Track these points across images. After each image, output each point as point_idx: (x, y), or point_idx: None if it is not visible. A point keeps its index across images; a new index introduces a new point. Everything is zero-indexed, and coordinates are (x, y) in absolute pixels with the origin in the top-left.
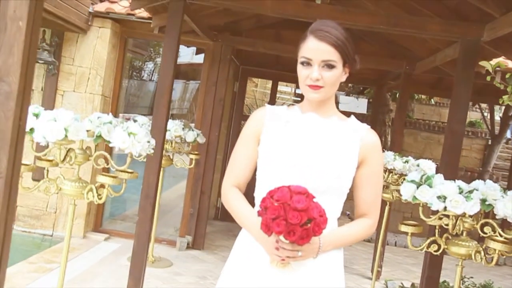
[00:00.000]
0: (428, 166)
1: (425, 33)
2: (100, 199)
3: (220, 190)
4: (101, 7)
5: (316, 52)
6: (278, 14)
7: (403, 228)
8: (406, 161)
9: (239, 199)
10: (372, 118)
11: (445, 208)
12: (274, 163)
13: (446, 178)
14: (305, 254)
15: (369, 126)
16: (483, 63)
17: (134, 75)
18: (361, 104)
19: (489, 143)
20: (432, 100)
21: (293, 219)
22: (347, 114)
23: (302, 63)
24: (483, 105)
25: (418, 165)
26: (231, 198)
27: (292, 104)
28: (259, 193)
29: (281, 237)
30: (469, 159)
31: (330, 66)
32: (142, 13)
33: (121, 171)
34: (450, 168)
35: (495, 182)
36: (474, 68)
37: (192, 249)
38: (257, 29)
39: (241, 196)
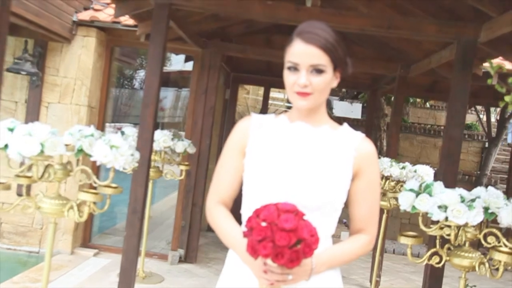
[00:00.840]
0: (426, 172)
1: (421, 34)
2: (81, 217)
3: None
4: (85, 16)
5: (304, 56)
6: (268, 18)
7: (402, 240)
8: (403, 167)
9: (225, 217)
10: (367, 123)
11: (446, 218)
12: (260, 178)
13: (445, 185)
14: (296, 277)
15: (363, 135)
16: (485, 64)
17: (125, 84)
18: (355, 109)
19: (486, 145)
20: (427, 103)
21: (281, 241)
22: (341, 120)
23: (289, 68)
24: (479, 107)
25: (415, 171)
26: (216, 216)
27: (285, 110)
28: (246, 211)
29: (269, 260)
30: (466, 163)
31: (319, 70)
32: (128, 20)
33: (105, 186)
34: (449, 174)
35: (493, 185)
36: (471, 69)
37: (185, 262)
38: (247, 35)
39: (227, 214)
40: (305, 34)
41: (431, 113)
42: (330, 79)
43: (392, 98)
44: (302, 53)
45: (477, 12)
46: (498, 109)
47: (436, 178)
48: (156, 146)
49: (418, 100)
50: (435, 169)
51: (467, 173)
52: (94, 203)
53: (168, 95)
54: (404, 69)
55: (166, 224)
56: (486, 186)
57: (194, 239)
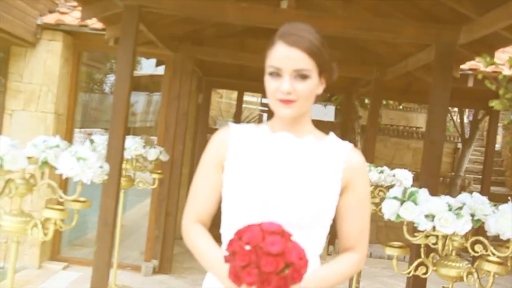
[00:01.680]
0: (405, 176)
1: (401, 37)
2: (46, 235)
3: None
4: (50, 19)
5: (287, 60)
6: (242, 21)
7: (388, 250)
8: (381, 172)
9: (203, 237)
10: (341, 126)
11: (434, 228)
12: (241, 195)
13: (428, 189)
14: None
15: (352, 145)
16: (478, 59)
17: (94, 88)
18: (328, 112)
19: (458, 146)
20: (398, 104)
21: (267, 267)
22: (320, 126)
23: (271, 73)
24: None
25: (394, 176)
26: (194, 236)
27: (260, 114)
28: (226, 230)
29: None
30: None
31: (303, 76)
32: (95, 24)
33: (72, 200)
34: (431, 179)
35: (467, 186)
36: (451, 72)
37: (159, 273)
38: (220, 38)
39: (205, 234)
40: (288, 37)
41: (403, 115)
42: (315, 85)
43: (366, 101)
44: (285, 57)
45: (455, 14)
46: (470, 110)
47: (419, 182)
48: (127, 154)
49: (391, 102)
50: (413, 172)
51: (442, 175)
52: (62, 220)
53: (139, 99)
54: (380, 72)
55: (139, 233)
56: (461, 188)
57: (169, 249)
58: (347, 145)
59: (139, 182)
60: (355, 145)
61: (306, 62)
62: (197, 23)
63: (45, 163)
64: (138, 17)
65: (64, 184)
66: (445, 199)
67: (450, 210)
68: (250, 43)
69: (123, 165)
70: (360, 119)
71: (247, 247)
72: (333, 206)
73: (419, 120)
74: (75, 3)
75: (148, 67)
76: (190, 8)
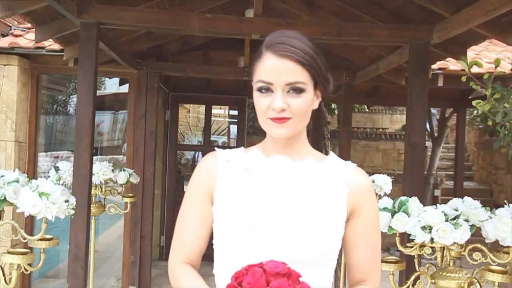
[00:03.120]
0: (384, 181)
1: (372, 40)
2: (8, 284)
3: (163, 227)
4: (4, 42)
5: (278, 73)
6: (208, 32)
7: (384, 267)
8: None
9: (194, 279)
10: (313, 133)
11: (431, 240)
12: (236, 230)
13: (413, 195)
14: None
15: (354, 164)
16: (460, 61)
17: (59, 110)
18: None
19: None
20: (365, 107)
21: None
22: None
23: (260, 89)
24: None
25: (373, 181)
26: (182, 279)
27: (228, 126)
28: (220, 271)
29: None
30: None
31: (298, 90)
32: (53, 45)
33: (38, 239)
34: (415, 184)
35: (440, 184)
36: (427, 73)
37: None
38: (184, 52)
39: (196, 276)
40: (277, 46)
41: (369, 117)
42: (311, 100)
43: (333, 106)
44: (275, 69)
45: (427, 13)
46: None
47: (403, 188)
48: (95, 180)
49: (358, 105)
50: (392, 177)
51: None
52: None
53: (104, 119)
54: (350, 77)
55: (114, 257)
56: (434, 186)
57: (146, 274)
58: (350, 165)
59: (110, 208)
60: (326, 151)
61: (300, 74)
62: (160, 38)
63: (3, 200)
64: (97, 35)
65: (30, 218)
66: (441, 208)
67: (447, 220)
68: (215, 55)
69: (92, 191)
70: (328, 124)
71: None
72: (340, 236)
73: (385, 121)
74: (29, 25)
75: (111, 85)
76: (152, 22)
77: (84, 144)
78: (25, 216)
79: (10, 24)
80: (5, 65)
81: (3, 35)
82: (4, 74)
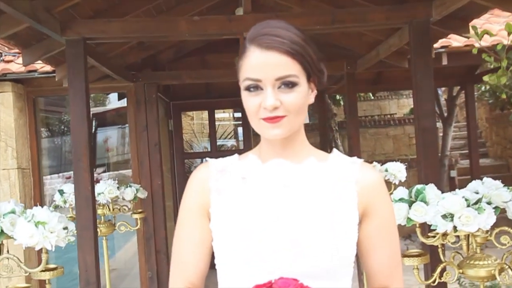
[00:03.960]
0: (398, 168)
1: (369, 24)
2: None
3: None
4: None
5: (266, 68)
6: (197, 35)
7: (406, 262)
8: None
9: None
10: (320, 127)
11: (455, 228)
12: (239, 248)
13: (429, 181)
14: None
15: (361, 160)
16: (472, 31)
17: (65, 131)
18: None
19: (437, 126)
20: (371, 95)
21: None
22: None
23: (248, 88)
24: None
25: (386, 170)
26: None
27: (234, 130)
28: None
29: None
30: None
31: (290, 84)
32: (45, 67)
33: (41, 271)
34: (430, 169)
35: (455, 164)
36: (431, 53)
37: None
38: (180, 59)
39: None
40: (262, 38)
41: (376, 104)
42: (305, 94)
43: (338, 97)
44: (262, 64)
45: None
46: (443, 89)
47: (418, 174)
48: (102, 199)
49: (362, 94)
50: (405, 164)
51: None
52: None
53: (111, 134)
54: (351, 66)
55: (132, 274)
56: (449, 167)
57: None
58: (356, 161)
59: (120, 226)
60: (335, 143)
61: (290, 67)
62: (153, 48)
63: (1, 234)
64: (84, 51)
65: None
66: (461, 193)
67: (468, 205)
68: (211, 58)
69: (100, 211)
70: (335, 116)
71: None
72: (354, 241)
73: (392, 107)
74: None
75: (114, 100)
76: (138, 31)
77: (82, 165)
78: (23, 248)
79: (1, 51)
80: None
81: None
82: None
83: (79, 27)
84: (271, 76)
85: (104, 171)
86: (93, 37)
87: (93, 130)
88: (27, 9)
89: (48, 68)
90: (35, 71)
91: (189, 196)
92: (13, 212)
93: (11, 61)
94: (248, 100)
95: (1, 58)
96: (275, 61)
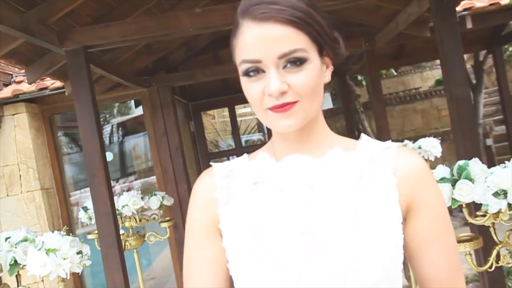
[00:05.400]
0: (432, 144)
1: None
2: None
3: None
4: (7, 92)
5: (265, 45)
6: (202, 29)
7: (460, 248)
8: (404, 146)
9: None
10: (344, 110)
11: (510, 206)
12: (259, 266)
13: (469, 155)
14: None
15: (397, 144)
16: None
17: None
18: (324, 100)
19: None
20: (393, 71)
21: None
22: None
23: (247, 72)
24: None
25: (420, 147)
26: None
27: (258, 124)
28: None
29: None
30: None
31: (297, 61)
32: (55, 83)
33: None
34: (469, 142)
35: (490, 132)
36: (455, 15)
37: None
38: (192, 58)
39: None
40: (256, 9)
41: (399, 80)
42: (318, 71)
43: (359, 78)
44: (260, 40)
45: None
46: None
47: (456, 148)
48: (127, 212)
49: (384, 71)
50: (439, 138)
51: None
52: None
53: (137, 141)
54: (370, 42)
55: (172, 280)
56: (484, 136)
57: None
58: (390, 146)
59: (150, 236)
60: (363, 125)
61: (294, 39)
62: (161, 49)
63: (15, 264)
64: (86, 60)
65: None
66: (510, 166)
67: None
68: (224, 53)
69: (127, 224)
70: (359, 97)
71: None
72: (399, 246)
73: (416, 81)
74: None
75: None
76: (139, 32)
77: (98, 180)
78: (38, 278)
79: (11, 72)
80: (14, 114)
81: (5, 85)
82: (15, 123)
83: (77, 36)
84: (272, 54)
85: (136, 179)
86: (93, 45)
87: (120, 139)
88: (18, 23)
89: (59, 83)
90: (46, 88)
91: (194, 212)
92: (25, 240)
93: (22, 81)
94: (249, 87)
95: (12, 80)
96: (275, 35)
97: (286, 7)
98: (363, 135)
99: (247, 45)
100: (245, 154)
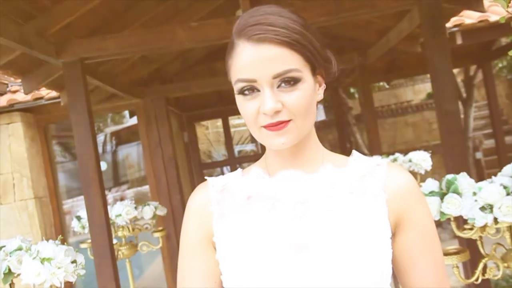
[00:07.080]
0: (422, 157)
1: (376, 10)
2: None
3: None
4: (2, 102)
5: (260, 65)
6: (197, 42)
7: (445, 261)
8: (395, 159)
9: None
10: (337, 123)
11: (495, 220)
12: (253, 280)
13: (458, 169)
14: None
15: (386, 160)
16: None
17: None
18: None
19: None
20: (385, 84)
21: None
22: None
23: (242, 91)
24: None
25: (410, 160)
26: None
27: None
28: None
29: None
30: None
31: (291, 81)
32: (51, 93)
33: None
34: (457, 155)
35: (479, 145)
36: (445, 32)
37: None
38: (187, 70)
39: None
40: (251, 30)
41: (391, 93)
42: (312, 90)
43: (351, 90)
44: (255, 61)
45: None
46: (457, 70)
47: (444, 162)
48: (120, 221)
49: (376, 84)
50: (429, 151)
51: None
52: None
53: (130, 151)
54: (362, 57)
55: None
56: (474, 149)
57: None
58: (380, 163)
59: (142, 246)
60: (354, 138)
61: (289, 60)
62: (157, 61)
63: (9, 273)
64: (83, 72)
65: None
66: (498, 181)
67: (508, 193)
68: (219, 65)
69: (120, 233)
70: (351, 110)
71: None
72: (387, 260)
73: (408, 93)
74: None
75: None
76: (136, 44)
77: (93, 190)
78: (32, 287)
79: (6, 82)
80: (8, 123)
81: (1, 94)
82: (9, 133)
83: (74, 48)
84: (267, 74)
85: (129, 188)
86: (90, 57)
87: (113, 148)
88: (17, 35)
89: (54, 93)
90: (41, 98)
91: (189, 226)
92: (20, 249)
93: (17, 91)
94: (244, 106)
95: (7, 89)
96: (270, 55)
97: (281, 28)
98: (354, 151)
99: (242, 65)
100: (239, 169)
